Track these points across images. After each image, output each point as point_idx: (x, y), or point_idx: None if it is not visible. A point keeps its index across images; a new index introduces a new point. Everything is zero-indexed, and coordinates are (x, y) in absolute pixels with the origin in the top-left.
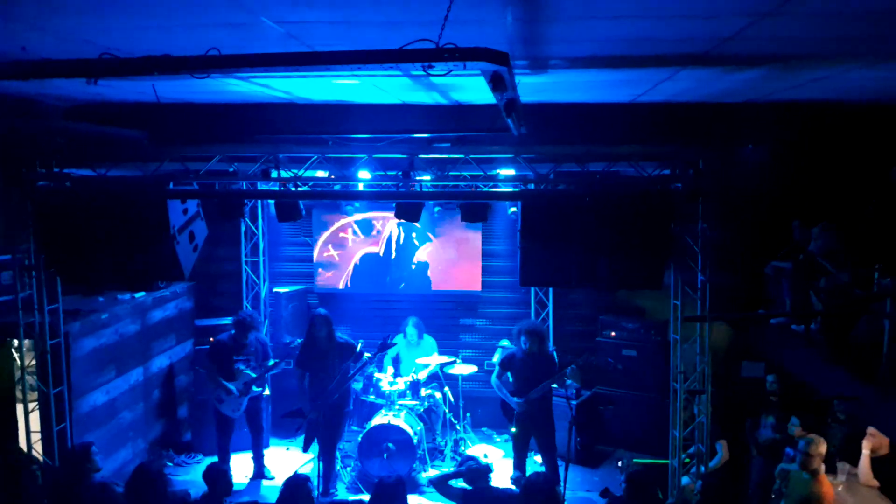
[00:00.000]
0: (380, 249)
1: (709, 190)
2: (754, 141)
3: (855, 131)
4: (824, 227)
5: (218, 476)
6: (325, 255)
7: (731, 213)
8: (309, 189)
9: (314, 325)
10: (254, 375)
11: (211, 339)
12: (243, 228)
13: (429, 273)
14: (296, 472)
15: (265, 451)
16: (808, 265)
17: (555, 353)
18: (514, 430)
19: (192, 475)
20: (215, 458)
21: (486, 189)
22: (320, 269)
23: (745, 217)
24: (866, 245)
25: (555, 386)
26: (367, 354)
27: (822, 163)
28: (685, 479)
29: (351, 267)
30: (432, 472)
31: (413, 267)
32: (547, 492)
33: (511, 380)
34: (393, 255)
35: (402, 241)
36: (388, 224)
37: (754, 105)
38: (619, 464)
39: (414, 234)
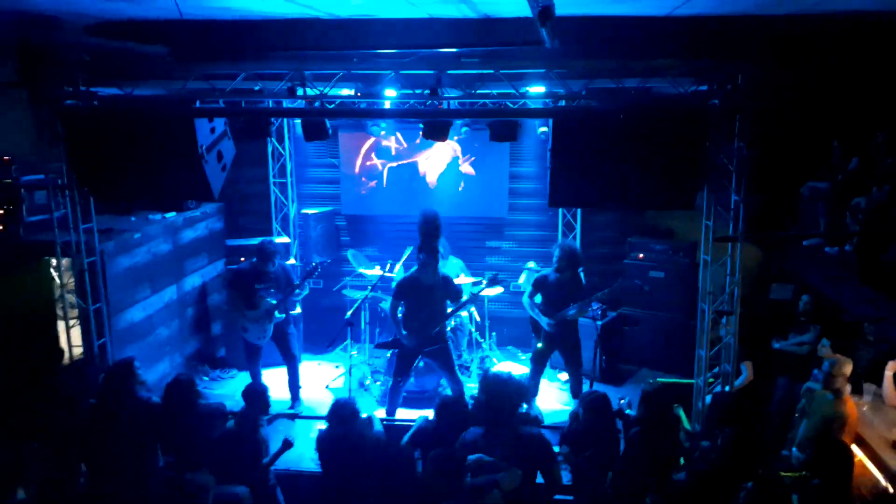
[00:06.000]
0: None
1: (747, 107)
2: (797, 57)
3: None
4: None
5: (256, 395)
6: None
7: (768, 132)
8: (335, 107)
9: (426, 259)
10: (274, 302)
11: (229, 268)
12: (270, 149)
13: (456, 194)
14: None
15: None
16: (846, 186)
17: (582, 275)
18: (539, 345)
19: (226, 389)
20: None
21: (515, 107)
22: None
23: (782, 137)
24: None
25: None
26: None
27: (865, 81)
28: (710, 399)
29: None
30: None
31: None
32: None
33: (540, 300)
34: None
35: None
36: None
37: (799, 18)
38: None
39: (444, 154)
